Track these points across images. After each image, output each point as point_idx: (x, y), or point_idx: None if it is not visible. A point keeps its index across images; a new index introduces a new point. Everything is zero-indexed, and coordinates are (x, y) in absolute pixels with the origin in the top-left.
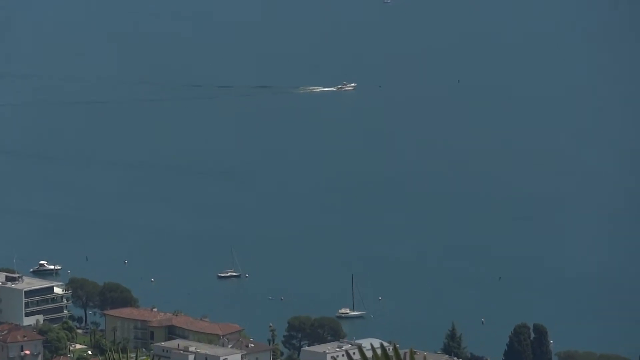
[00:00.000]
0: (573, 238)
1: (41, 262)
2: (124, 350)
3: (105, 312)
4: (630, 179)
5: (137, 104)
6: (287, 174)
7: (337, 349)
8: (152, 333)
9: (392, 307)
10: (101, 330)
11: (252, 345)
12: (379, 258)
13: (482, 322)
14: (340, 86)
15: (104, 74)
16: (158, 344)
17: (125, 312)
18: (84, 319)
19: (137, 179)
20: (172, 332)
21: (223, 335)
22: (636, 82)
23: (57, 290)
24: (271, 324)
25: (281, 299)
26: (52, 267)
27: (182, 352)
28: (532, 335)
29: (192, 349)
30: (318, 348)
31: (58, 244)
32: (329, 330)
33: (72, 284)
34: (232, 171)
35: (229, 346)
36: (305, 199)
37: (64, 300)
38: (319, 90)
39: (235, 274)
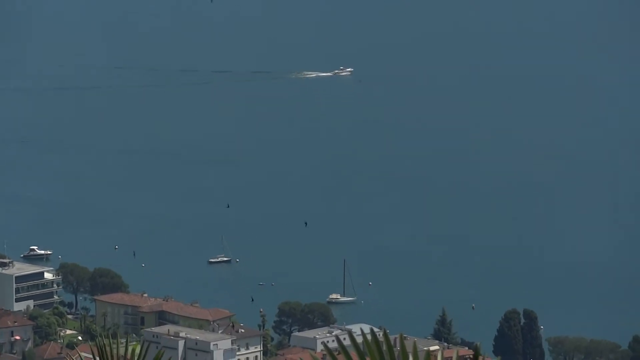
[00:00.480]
0: (563, 225)
1: (32, 247)
2: (114, 336)
3: (96, 297)
4: (617, 170)
5: (128, 89)
6: (279, 159)
7: (328, 334)
8: (142, 318)
9: (383, 292)
10: (91, 316)
11: (243, 330)
12: (370, 244)
13: (473, 308)
14: (336, 71)
15: (95, 61)
16: (148, 329)
17: (116, 297)
18: (74, 304)
19: (127, 165)
20: (162, 317)
21: (213, 321)
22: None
23: (48, 275)
24: (261, 309)
25: (272, 285)
26: (42, 252)
27: (172, 337)
28: (522, 320)
29: (182, 334)
30: (308, 333)
31: (49, 229)
32: (319, 315)
33: (63, 270)
34: (223, 157)
35: (220, 331)
36: (297, 185)
37: (55, 285)
38: (315, 75)
39: (225, 259)
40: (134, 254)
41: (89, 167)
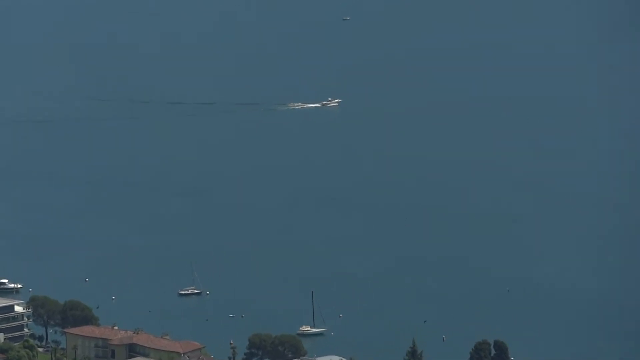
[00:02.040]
0: (534, 254)
1: (2, 280)
2: None
3: (66, 330)
4: (587, 199)
5: (98, 121)
6: (248, 190)
7: None
8: (113, 351)
9: (353, 323)
10: (62, 349)
11: None
12: (340, 274)
13: (443, 339)
14: (324, 102)
15: (61, 91)
16: None
17: (86, 330)
18: (44, 337)
19: (97, 196)
20: (132, 350)
21: (184, 353)
22: (619, 97)
23: (18, 308)
24: (232, 342)
25: (242, 316)
26: (12, 285)
27: None
28: (493, 351)
29: None
30: None
31: (19, 262)
32: (289, 347)
33: (33, 302)
34: (193, 188)
35: None
36: (266, 216)
37: (25, 318)
38: (303, 106)
39: (196, 291)
40: (86, 280)
41: (58, 198)
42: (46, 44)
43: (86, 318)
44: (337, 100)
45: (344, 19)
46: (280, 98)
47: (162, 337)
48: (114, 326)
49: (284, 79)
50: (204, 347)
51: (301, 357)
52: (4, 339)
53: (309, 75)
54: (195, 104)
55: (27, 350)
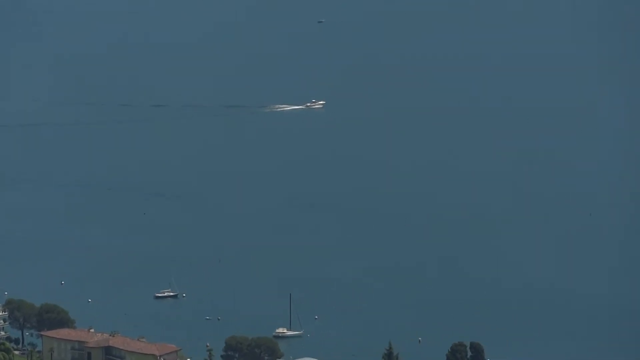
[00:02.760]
0: (510, 256)
1: None
2: None
3: (43, 333)
4: (561, 199)
5: (78, 125)
6: (225, 194)
7: None
8: (89, 354)
9: (329, 326)
10: (38, 352)
11: None
12: (316, 278)
13: (419, 341)
14: (309, 104)
15: (42, 96)
16: None
17: (63, 333)
18: (21, 340)
19: (75, 200)
20: (109, 352)
21: (160, 356)
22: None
23: None
24: (208, 344)
25: (218, 319)
26: None
27: None
28: (469, 353)
29: None
30: None
31: None
32: (266, 350)
33: (9, 306)
34: (169, 191)
35: None
36: (243, 220)
37: (1, 321)
38: (287, 108)
39: (172, 293)
40: (62, 283)
41: (33, 201)
42: (31, 48)
43: (62, 321)
44: (321, 102)
45: (319, 22)
46: (265, 100)
47: (138, 340)
48: (90, 329)
49: (265, 81)
50: (180, 349)
51: None
52: None
53: (291, 78)
54: (181, 106)
55: (3, 353)
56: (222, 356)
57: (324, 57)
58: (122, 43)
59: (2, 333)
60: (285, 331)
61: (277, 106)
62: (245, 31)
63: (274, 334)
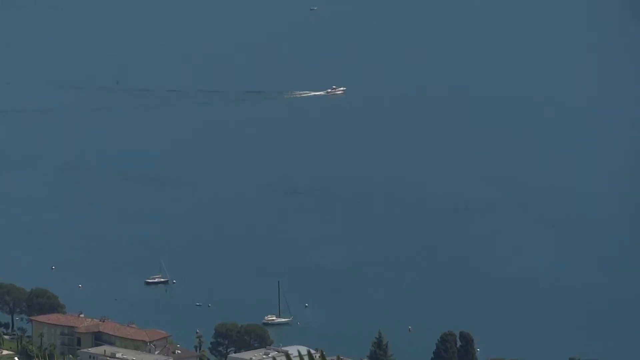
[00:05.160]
0: (501, 245)
1: None
2: (51, 357)
3: (32, 318)
4: (563, 186)
5: (73, 111)
6: (216, 180)
7: (264, 356)
8: (79, 339)
9: (319, 313)
10: (28, 337)
11: (179, 351)
12: (306, 264)
13: (409, 330)
14: (329, 90)
15: (40, 79)
16: (85, 350)
17: (52, 318)
18: (10, 325)
19: (65, 185)
20: (98, 338)
21: (150, 342)
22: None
23: None
24: (198, 330)
25: (208, 306)
26: None
27: (108, 358)
28: (459, 343)
29: (118, 355)
30: (245, 355)
31: None
32: (255, 337)
33: None
34: (161, 177)
35: (156, 352)
36: (234, 205)
37: None
38: (308, 94)
39: (162, 280)
40: (52, 268)
41: (24, 186)
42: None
43: (52, 306)
44: (342, 88)
45: (311, 9)
46: (285, 86)
47: (128, 326)
48: (80, 314)
49: (286, 67)
50: (170, 335)
51: (267, 347)
52: None
53: (308, 64)
54: (195, 91)
55: None
56: (211, 343)
57: (341, 43)
58: (133, 27)
59: None
60: (274, 318)
61: (297, 92)
62: (242, 19)
63: (263, 321)
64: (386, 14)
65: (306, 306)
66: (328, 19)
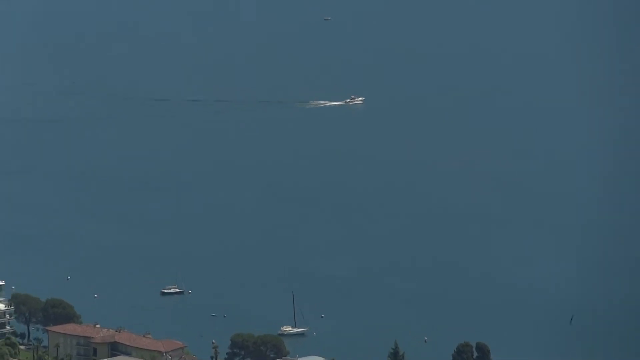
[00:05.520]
0: (516, 256)
1: None
2: None
3: (48, 328)
4: (574, 195)
5: (89, 119)
6: (232, 190)
7: None
8: (94, 349)
9: (334, 324)
10: (44, 347)
11: None
12: (322, 275)
13: (425, 341)
14: (348, 100)
15: (44, 89)
16: None
17: (68, 328)
18: (26, 335)
19: (81, 194)
20: (114, 348)
21: (166, 352)
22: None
23: (0, 306)
24: (214, 341)
25: (224, 316)
26: None
27: None
28: (475, 354)
29: None
30: None
31: (1, 259)
32: (271, 347)
33: (15, 300)
34: (176, 187)
35: None
36: (249, 215)
37: (7, 316)
38: (326, 104)
39: (178, 290)
40: (68, 278)
41: (41, 196)
42: (27, 42)
43: (68, 316)
44: (360, 98)
45: (325, 19)
46: (304, 96)
47: (144, 336)
48: (96, 324)
49: (306, 77)
50: (186, 346)
51: (283, 358)
52: None
53: (332, 74)
54: (214, 101)
55: (9, 347)
56: (227, 353)
57: (357, 53)
58: (154, 38)
59: (8, 328)
60: (290, 329)
61: (316, 102)
62: (257, 29)
63: (279, 331)
64: (397, 23)
65: (322, 317)
66: (342, 29)
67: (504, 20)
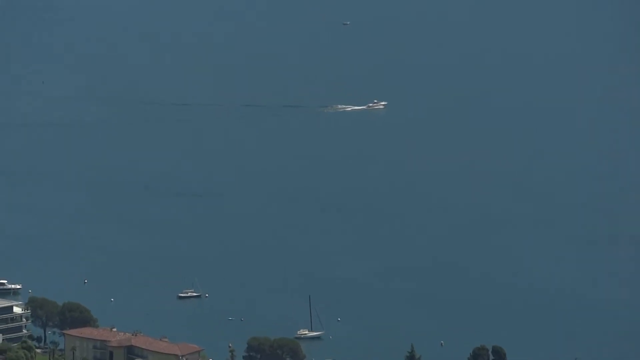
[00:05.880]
0: (532, 258)
1: (1, 281)
2: None
3: (65, 331)
4: (588, 202)
5: (106, 124)
6: (247, 195)
7: None
8: (111, 353)
9: (351, 327)
10: (60, 350)
11: None
12: (338, 278)
13: (441, 344)
14: (370, 104)
15: (64, 94)
16: None
17: (85, 331)
18: (43, 338)
19: (98, 198)
20: (131, 352)
21: (182, 356)
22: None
23: (17, 309)
24: (230, 344)
25: (241, 320)
26: (12, 286)
27: None
28: (491, 357)
29: None
30: None
31: (18, 263)
32: (288, 351)
33: (32, 304)
34: (193, 192)
35: None
36: (267, 220)
37: (24, 319)
38: (348, 109)
39: (195, 294)
40: (85, 282)
41: (58, 200)
42: (47, 48)
43: (85, 320)
44: (382, 103)
45: (344, 24)
46: (327, 100)
47: (160, 340)
48: (113, 328)
49: (328, 82)
50: (202, 349)
51: None
52: (3, 339)
53: (355, 78)
54: (239, 106)
55: (25, 351)
56: (244, 357)
57: (378, 58)
58: (167, 38)
59: (25, 331)
60: (306, 332)
61: (338, 106)
62: (275, 34)
63: (295, 335)
64: (414, 28)
65: (339, 320)
66: (361, 34)
67: (531, 22)
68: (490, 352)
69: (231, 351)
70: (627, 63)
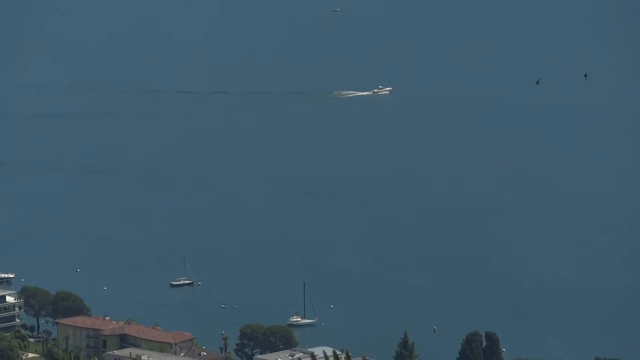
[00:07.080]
0: (525, 246)
1: None
2: (77, 359)
3: (58, 320)
4: (585, 188)
5: (94, 113)
6: (239, 181)
7: (290, 357)
8: (104, 342)
9: (344, 314)
10: (53, 339)
11: (205, 353)
12: (331, 266)
13: (434, 330)
14: (375, 90)
15: (55, 84)
16: (110, 352)
17: (78, 320)
18: (36, 327)
19: (90, 187)
20: (124, 340)
21: (175, 344)
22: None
23: (9, 299)
24: (223, 332)
25: (233, 307)
26: (4, 275)
27: None
28: (484, 343)
29: (144, 357)
30: (270, 356)
31: (10, 252)
32: (280, 338)
33: (25, 293)
34: (184, 179)
35: (182, 354)
36: (258, 207)
37: (16, 309)
38: (353, 94)
39: (187, 282)
40: (77, 271)
41: (50, 190)
42: (40, 38)
43: (78, 309)
44: (387, 89)
45: (334, 11)
46: (331, 86)
47: (153, 328)
48: (106, 317)
49: (333, 67)
50: (195, 337)
51: (292, 348)
52: None
53: (360, 64)
54: (243, 93)
55: (18, 340)
56: (237, 344)
57: (390, 44)
58: (165, 29)
59: (18, 320)
60: (299, 319)
61: (343, 92)
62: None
63: (288, 322)
64: (410, 15)
65: (331, 307)
66: (353, 20)
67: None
68: (483, 338)
69: (224, 339)
70: (626, 54)
